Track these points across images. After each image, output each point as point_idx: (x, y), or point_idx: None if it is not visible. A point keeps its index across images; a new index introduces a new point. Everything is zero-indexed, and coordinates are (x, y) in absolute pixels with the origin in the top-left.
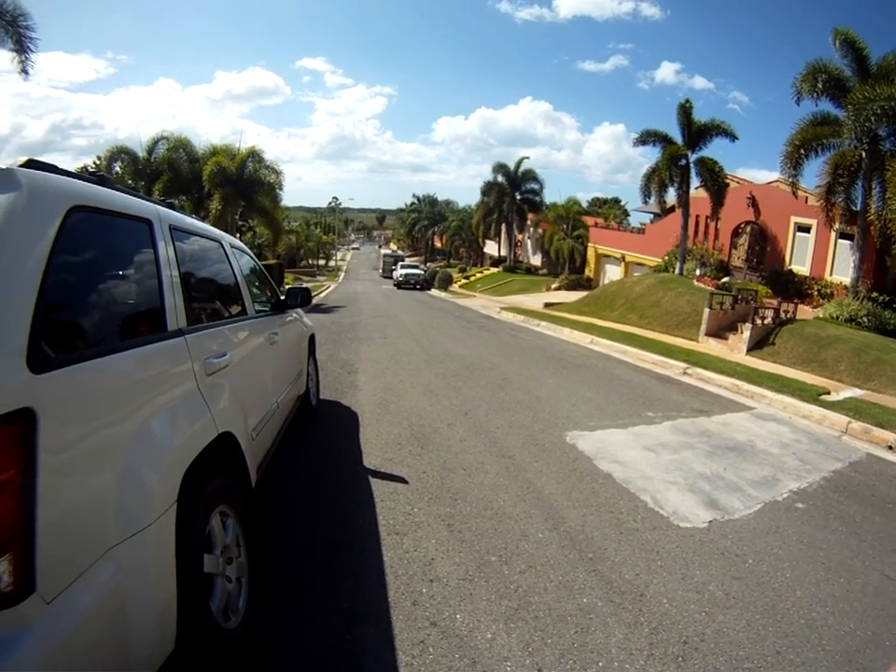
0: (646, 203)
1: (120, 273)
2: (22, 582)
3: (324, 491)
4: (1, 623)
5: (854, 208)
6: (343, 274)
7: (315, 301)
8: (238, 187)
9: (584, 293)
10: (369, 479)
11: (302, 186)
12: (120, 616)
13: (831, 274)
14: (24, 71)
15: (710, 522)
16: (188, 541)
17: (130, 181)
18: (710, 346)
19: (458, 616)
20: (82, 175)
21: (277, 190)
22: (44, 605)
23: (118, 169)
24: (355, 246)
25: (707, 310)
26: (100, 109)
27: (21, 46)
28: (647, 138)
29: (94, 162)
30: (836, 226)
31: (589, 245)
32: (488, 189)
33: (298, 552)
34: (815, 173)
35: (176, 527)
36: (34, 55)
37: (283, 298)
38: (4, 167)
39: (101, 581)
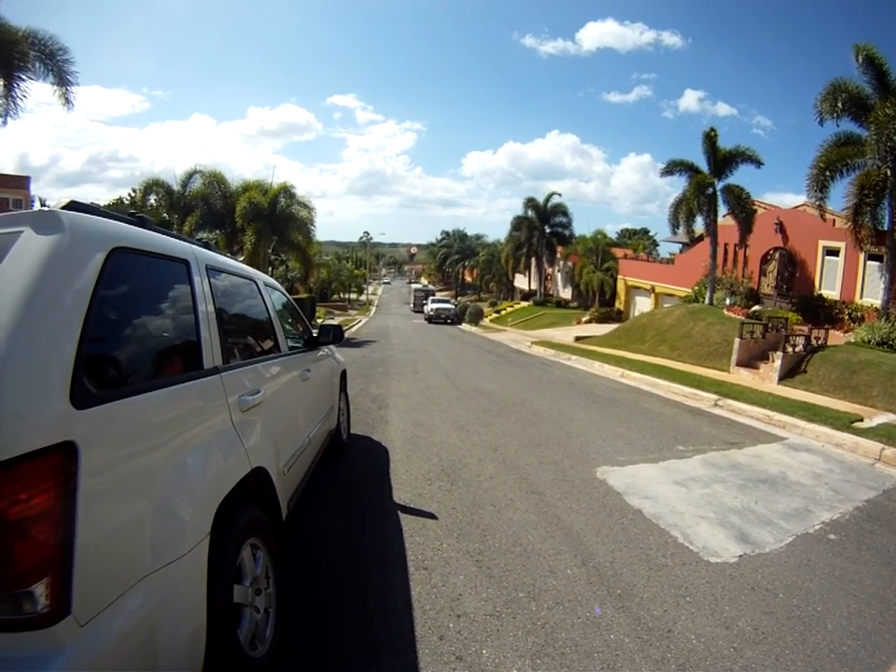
0: (674, 233)
1: (159, 312)
2: (58, 605)
3: (353, 525)
4: (36, 643)
5: (882, 228)
6: (374, 309)
7: (347, 335)
8: (270, 221)
9: (615, 326)
10: (398, 514)
11: (334, 220)
12: (150, 642)
13: (861, 297)
14: (67, 102)
15: (741, 556)
16: (219, 572)
17: (164, 214)
18: (741, 377)
19: (485, 651)
20: (123, 216)
21: (309, 225)
22: (77, 627)
23: (153, 201)
24: (386, 281)
25: (737, 340)
26: (136, 142)
27: (62, 79)
28: (673, 168)
29: (130, 194)
30: (865, 247)
31: (619, 276)
32: (518, 223)
33: (326, 584)
34: (841, 194)
35: (209, 559)
36: (74, 87)
37: (315, 334)
38: (47, 209)
39: (133, 608)
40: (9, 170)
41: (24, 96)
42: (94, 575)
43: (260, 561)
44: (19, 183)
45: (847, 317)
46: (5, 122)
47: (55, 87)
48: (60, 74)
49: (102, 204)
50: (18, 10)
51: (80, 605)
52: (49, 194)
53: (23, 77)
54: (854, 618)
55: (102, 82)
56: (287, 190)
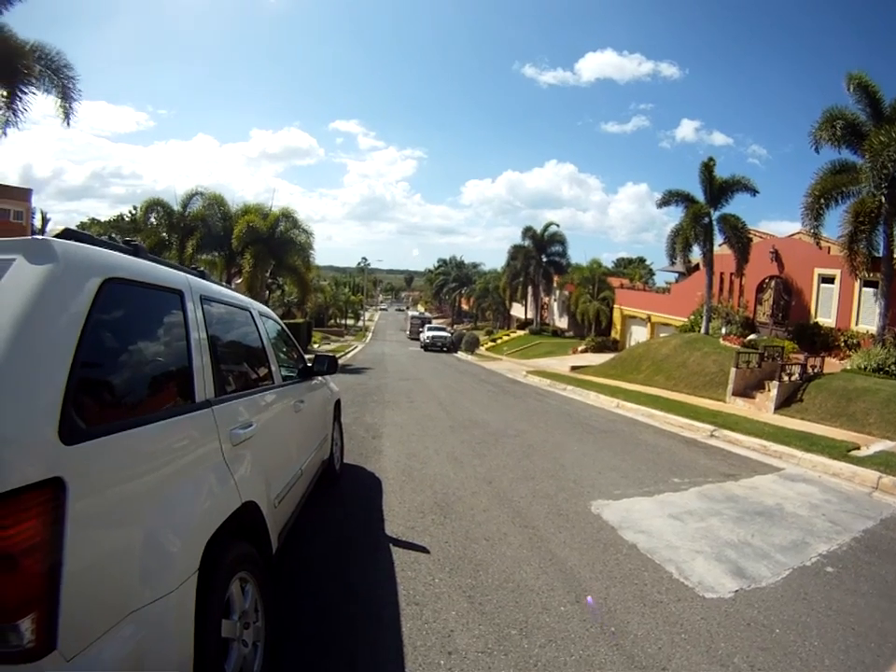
0: (672, 263)
1: (151, 345)
2: (44, 640)
3: (344, 558)
4: None
5: (877, 254)
6: (370, 335)
7: (342, 361)
8: (269, 245)
9: (611, 355)
10: (390, 547)
11: (333, 245)
12: None
13: (857, 324)
14: (66, 117)
15: (736, 591)
16: (207, 607)
17: (164, 233)
18: (738, 406)
19: None
20: (117, 244)
21: (308, 250)
22: (63, 662)
23: (153, 220)
24: (382, 307)
25: (733, 369)
26: (139, 160)
27: (65, 94)
28: (670, 199)
29: (130, 212)
30: (860, 274)
31: (615, 306)
32: (515, 252)
33: (316, 617)
34: (836, 222)
35: (197, 594)
36: (76, 104)
37: (310, 364)
38: (40, 238)
39: (120, 643)
40: (13, 180)
41: (26, 109)
42: (81, 610)
43: (249, 595)
44: (21, 195)
45: (843, 344)
46: (5, 133)
47: (58, 102)
48: (64, 89)
49: (103, 220)
50: (31, 23)
51: (66, 640)
52: (51, 207)
53: (26, 90)
54: (852, 651)
55: (108, 98)
56: (286, 215)
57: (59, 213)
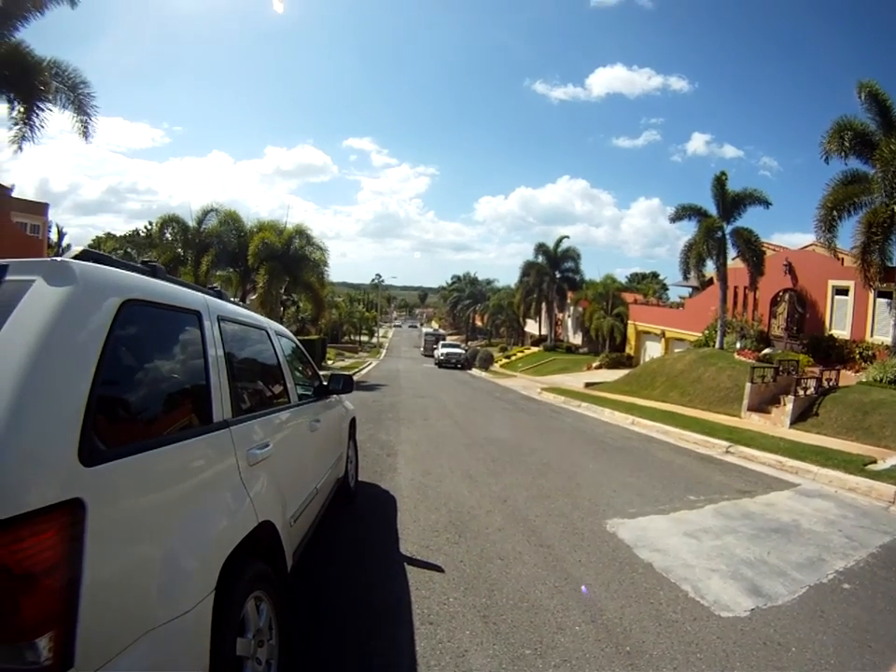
0: (686, 278)
1: (170, 366)
2: (61, 658)
3: (358, 576)
4: None
5: (890, 265)
6: (384, 351)
7: (356, 377)
8: (284, 262)
9: (625, 371)
10: (404, 566)
11: (347, 262)
12: None
13: (871, 335)
14: (84, 133)
15: (752, 610)
16: (222, 626)
17: (179, 249)
18: (753, 422)
19: None
20: (135, 265)
21: (322, 267)
22: None
23: (168, 236)
24: (396, 324)
25: (748, 384)
26: (155, 176)
27: (81, 111)
28: (682, 213)
29: (146, 227)
30: (874, 285)
31: (629, 321)
32: (528, 268)
33: (329, 636)
34: (849, 233)
35: (213, 613)
36: (93, 120)
37: (325, 383)
38: (59, 259)
39: (136, 661)
40: (30, 194)
41: (43, 125)
42: (98, 629)
43: (264, 613)
44: (37, 209)
45: (858, 356)
46: (21, 148)
47: (74, 118)
48: (80, 106)
49: (118, 234)
50: (48, 39)
51: (83, 658)
52: (67, 221)
53: (43, 106)
54: (868, 669)
55: (125, 115)
56: (301, 232)
57: (75, 227)
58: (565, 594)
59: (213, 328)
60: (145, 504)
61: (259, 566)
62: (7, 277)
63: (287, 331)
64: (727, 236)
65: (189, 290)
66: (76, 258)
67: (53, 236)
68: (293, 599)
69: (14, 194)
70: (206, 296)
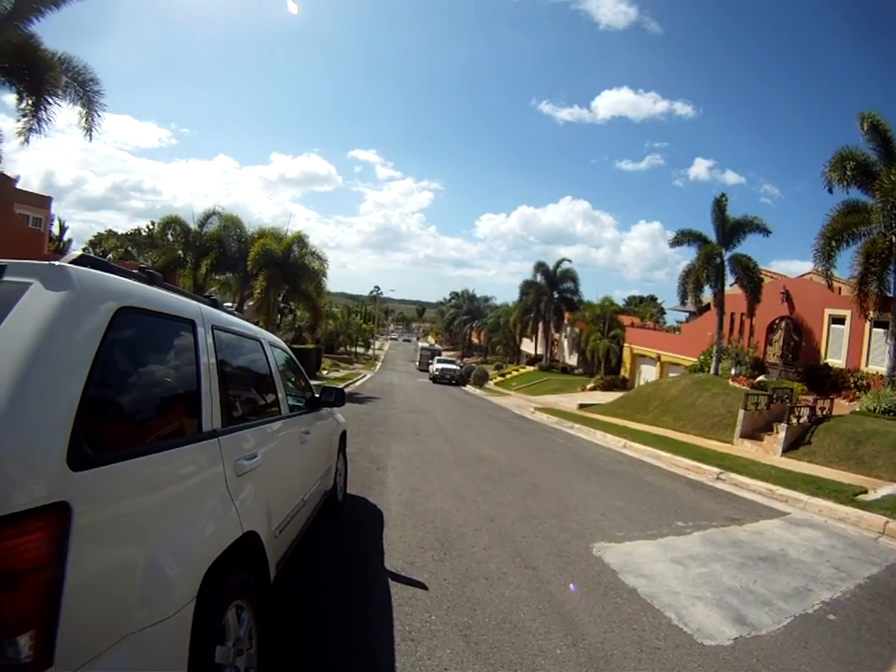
0: (683, 303)
1: (161, 374)
2: (41, 657)
3: (342, 590)
4: None
5: (888, 294)
6: (379, 364)
7: (350, 389)
8: (283, 270)
9: (620, 394)
10: (388, 581)
11: (346, 273)
12: None
13: (867, 365)
14: (89, 130)
15: (736, 639)
16: (202, 634)
17: (180, 251)
18: (745, 448)
19: None
20: (132, 272)
21: (321, 277)
22: None
23: (170, 237)
24: (393, 337)
25: (742, 411)
26: (160, 176)
27: (90, 108)
28: (682, 238)
29: (148, 226)
30: (870, 315)
31: (625, 344)
32: (527, 288)
33: (310, 648)
34: (847, 262)
35: (193, 620)
36: (100, 116)
37: (317, 395)
38: (57, 264)
39: (115, 663)
40: (34, 186)
41: (50, 119)
42: (79, 630)
43: (245, 622)
44: (41, 202)
45: (852, 385)
46: (28, 141)
47: (82, 113)
48: (89, 102)
49: (120, 232)
50: (60, 35)
51: (63, 657)
52: (70, 216)
53: (52, 100)
54: None
55: (133, 113)
56: (301, 240)
57: (77, 222)
58: (548, 616)
59: (206, 337)
60: (130, 510)
61: (241, 575)
62: (5, 278)
63: (282, 342)
64: (726, 263)
65: (185, 299)
66: (73, 262)
67: (55, 230)
68: (275, 610)
69: (19, 186)
70: (201, 305)
